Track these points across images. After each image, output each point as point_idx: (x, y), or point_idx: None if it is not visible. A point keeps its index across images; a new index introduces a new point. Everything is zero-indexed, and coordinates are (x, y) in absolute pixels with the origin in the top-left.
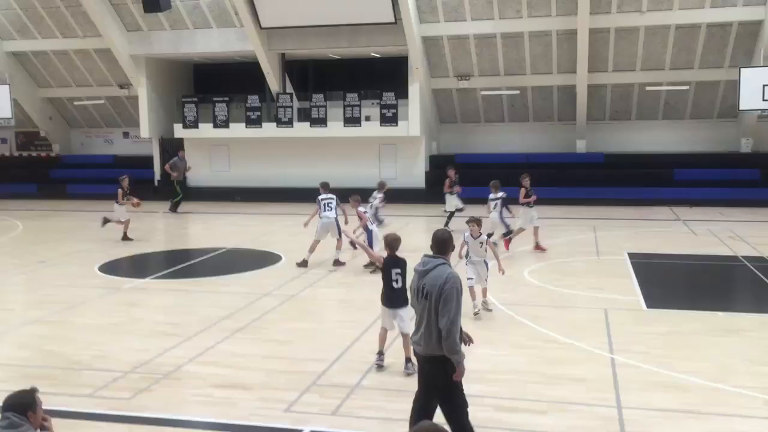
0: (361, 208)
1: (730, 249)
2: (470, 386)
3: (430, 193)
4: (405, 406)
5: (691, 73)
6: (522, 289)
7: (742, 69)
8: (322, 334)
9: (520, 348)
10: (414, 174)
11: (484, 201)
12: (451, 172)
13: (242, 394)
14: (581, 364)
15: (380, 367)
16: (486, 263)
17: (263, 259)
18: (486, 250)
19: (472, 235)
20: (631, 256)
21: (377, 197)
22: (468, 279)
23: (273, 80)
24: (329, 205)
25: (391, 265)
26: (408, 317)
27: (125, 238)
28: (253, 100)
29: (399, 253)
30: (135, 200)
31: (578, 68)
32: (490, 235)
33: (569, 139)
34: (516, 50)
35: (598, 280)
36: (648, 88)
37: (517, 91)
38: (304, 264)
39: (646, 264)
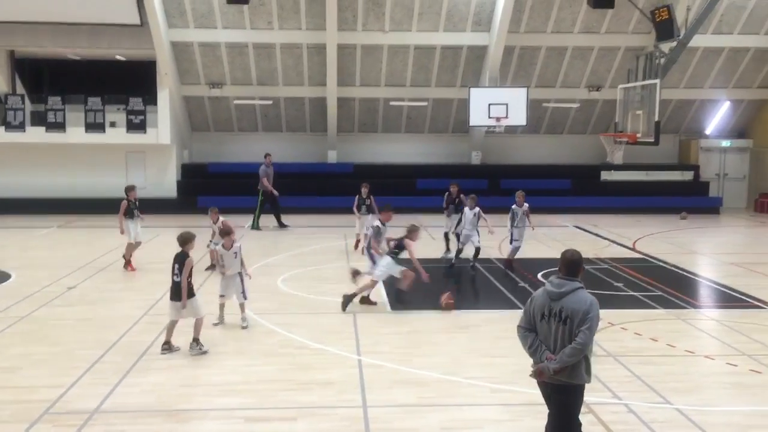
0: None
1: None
2: (220, 399)
3: (182, 203)
4: (147, 428)
5: (429, 90)
6: (276, 297)
7: (471, 89)
8: (58, 357)
9: (272, 356)
10: (165, 183)
11: (236, 210)
12: None
13: None
14: (331, 368)
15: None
16: (241, 276)
17: None
18: (241, 262)
19: (224, 247)
20: None
21: None
22: (220, 296)
23: (0, 80)
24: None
25: (174, 259)
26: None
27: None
28: None
29: None
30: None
31: (328, 81)
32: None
33: (321, 149)
34: (268, 61)
35: (348, 286)
36: (392, 103)
37: (270, 102)
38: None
39: None
